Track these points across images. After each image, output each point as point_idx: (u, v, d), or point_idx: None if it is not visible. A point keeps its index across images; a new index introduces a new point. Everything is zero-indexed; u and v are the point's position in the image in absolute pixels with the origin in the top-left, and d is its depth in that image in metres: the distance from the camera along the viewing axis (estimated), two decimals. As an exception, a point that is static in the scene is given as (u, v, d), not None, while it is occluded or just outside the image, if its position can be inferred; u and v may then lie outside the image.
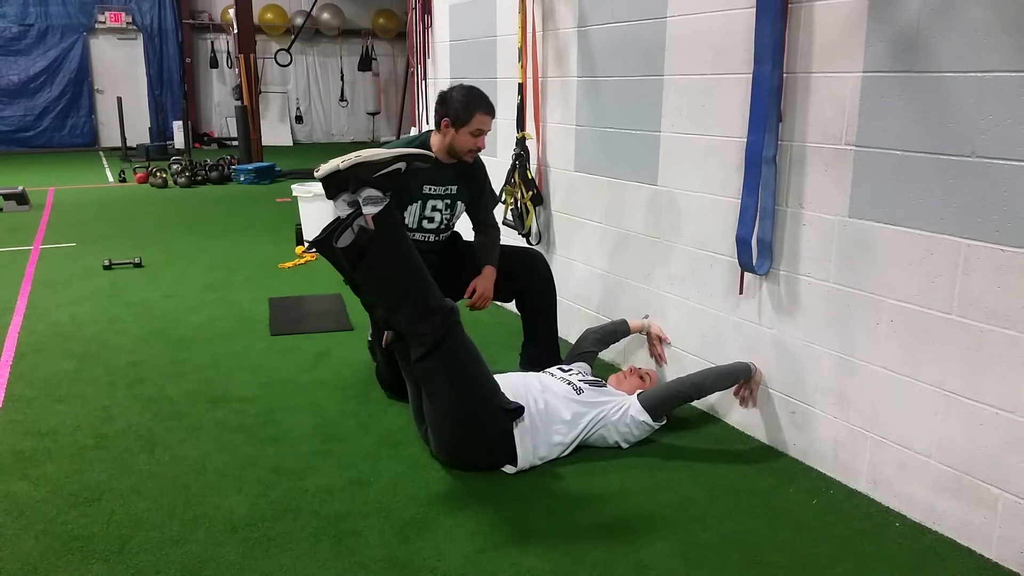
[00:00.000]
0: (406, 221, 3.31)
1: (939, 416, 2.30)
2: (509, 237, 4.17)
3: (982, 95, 2.10)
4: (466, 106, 3.16)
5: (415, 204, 3.29)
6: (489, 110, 3.21)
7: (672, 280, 3.29)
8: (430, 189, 3.29)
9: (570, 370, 3.03)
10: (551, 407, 2.74)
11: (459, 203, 3.40)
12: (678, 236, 3.23)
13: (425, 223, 3.35)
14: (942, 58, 2.19)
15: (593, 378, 3.00)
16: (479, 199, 3.48)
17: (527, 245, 3.70)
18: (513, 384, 2.76)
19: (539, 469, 2.69)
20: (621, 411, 2.81)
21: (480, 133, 3.21)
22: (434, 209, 3.33)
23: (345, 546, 2.24)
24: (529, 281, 3.46)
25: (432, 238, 3.39)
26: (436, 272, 3.41)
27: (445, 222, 3.39)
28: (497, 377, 2.77)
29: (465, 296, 3.32)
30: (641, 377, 3.09)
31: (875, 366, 2.48)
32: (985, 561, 2.20)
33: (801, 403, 2.76)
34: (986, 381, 2.18)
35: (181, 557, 2.18)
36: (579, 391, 2.83)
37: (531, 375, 2.90)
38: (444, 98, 3.23)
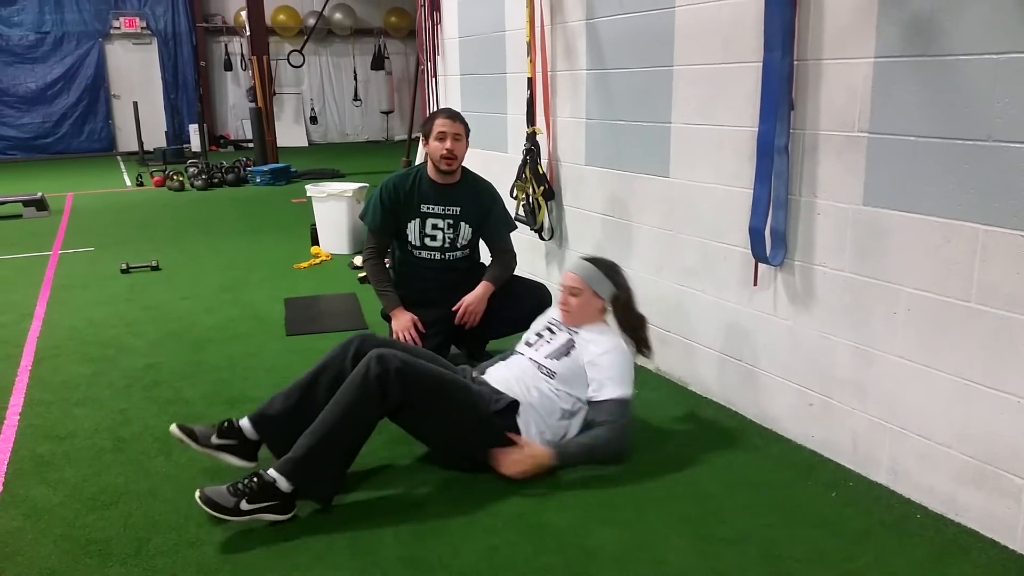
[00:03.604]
0: (409, 238, 3.48)
1: (959, 405, 2.27)
2: (522, 248, 4.14)
3: (997, 78, 2.06)
4: (429, 118, 3.47)
5: (414, 221, 3.47)
6: (448, 115, 3.39)
7: (686, 273, 3.26)
8: (427, 208, 3.46)
9: (532, 345, 2.85)
10: (544, 394, 2.68)
11: (463, 224, 3.49)
12: (691, 228, 3.20)
13: (428, 240, 3.49)
14: (955, 41, 2.15)
15: (553, 348, 2.78)
16: (487, 222, 3.55)
17: (538, 281, 3.71)
18: (505, 379, 2.71)
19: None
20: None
21: (443, 136, 3.33)
22: (435, 227, 3.47)
23: (361, 546, 2.24)
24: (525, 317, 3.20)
25: (437, 256, 3.51)
26: (447, 289, 3.44)
27: (449, 241, 3.49)
28: (487, 373, 2.77)
29: (454, 310, 3.38)
30: (572, 294, 2.79)
31: (893, 356, 2.44)
32: (1010, 553, 2.17)
33: (819, 395, 2.72)
34: (1006, 369, 2.14)
35: (198, 559, 2.19)
36: (551, 375, 2.69)
37: (515, 363, 2.79)
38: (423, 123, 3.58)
